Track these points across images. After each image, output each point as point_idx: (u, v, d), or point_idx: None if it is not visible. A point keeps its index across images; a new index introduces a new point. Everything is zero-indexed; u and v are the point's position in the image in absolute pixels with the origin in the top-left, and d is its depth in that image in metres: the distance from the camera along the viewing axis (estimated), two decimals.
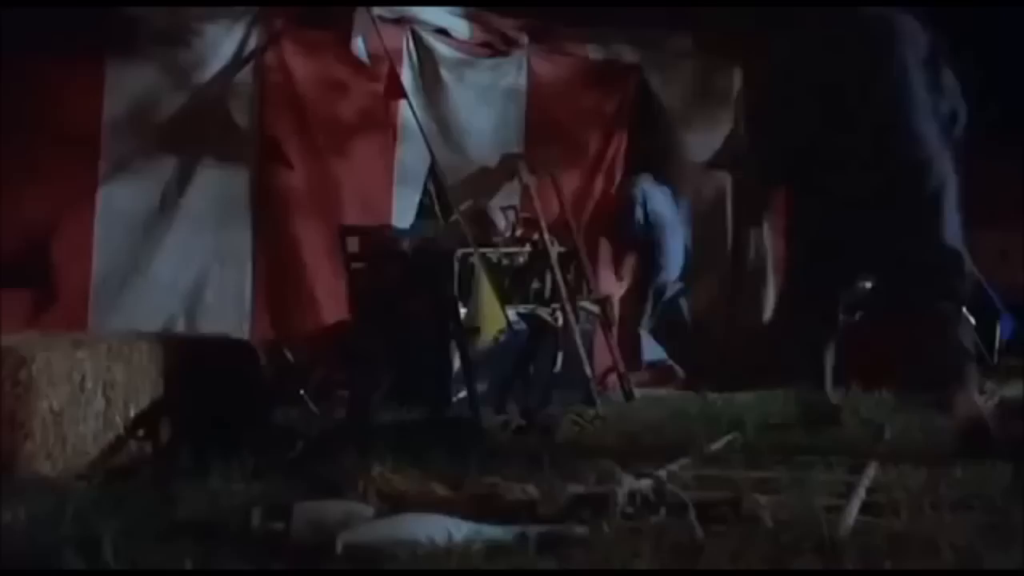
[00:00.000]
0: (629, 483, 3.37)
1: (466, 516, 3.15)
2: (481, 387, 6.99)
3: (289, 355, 5.61)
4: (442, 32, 8.54)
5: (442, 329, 5.98)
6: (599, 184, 9.32)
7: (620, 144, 9.41)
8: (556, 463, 4.55)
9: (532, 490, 3.36)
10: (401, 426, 5.51)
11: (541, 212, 8.25)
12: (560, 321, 7.95)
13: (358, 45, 7.90)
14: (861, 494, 3.87)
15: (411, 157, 8.30)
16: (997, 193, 10.00)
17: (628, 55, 9.45)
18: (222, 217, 7.64)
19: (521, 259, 8.17)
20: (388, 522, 3.09)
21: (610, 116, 9.39)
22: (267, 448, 4.96)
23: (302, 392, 5.32)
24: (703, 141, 9.81)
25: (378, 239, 6.50)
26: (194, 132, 7.61)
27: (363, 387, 5.42)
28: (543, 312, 8.01)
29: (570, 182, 9.10)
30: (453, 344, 6.18)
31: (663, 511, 3.40)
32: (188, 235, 7.50)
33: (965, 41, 10.62)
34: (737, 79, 9.83)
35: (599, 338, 8.58)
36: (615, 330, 8.68)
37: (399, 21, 8.29)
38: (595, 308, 8.46)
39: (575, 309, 8.12)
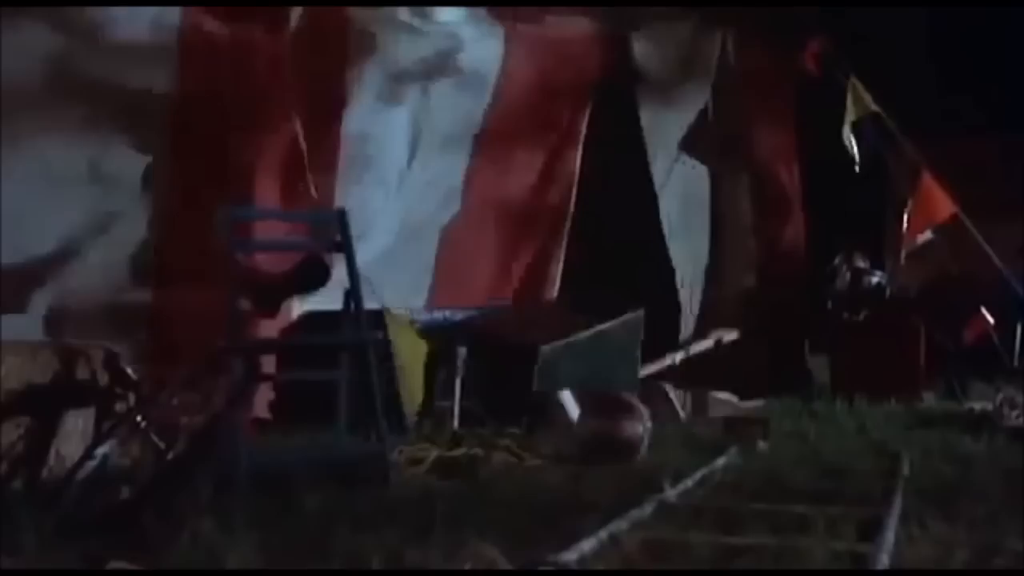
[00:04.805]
0: None
1: None
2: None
3: (131, 371, 4.38)
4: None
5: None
6: (560, 160, 8.09)
7: (582, 117, 8.18)
8: (461, 521, 3.33)
9: None
10: (284, 463, 4.28)
11: None
12: None
13: None
14: None
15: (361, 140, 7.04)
16: (1013, 186, 8.95)
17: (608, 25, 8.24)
18: (123, 195, 6.34)
19: None
20: None
21: (578, 89, 8.17)
22: (89, 495, 3.76)
23: (141, 420, 4.08)
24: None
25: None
26: (97, 99, 6.31)
27: (230, 412, 4.19)
28: None
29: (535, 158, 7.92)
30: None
31: None
32: (83, 214, 6.20)
33: (981, 36, 9.72)
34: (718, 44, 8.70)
35: None
36: None
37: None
38: None
39: None
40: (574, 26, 8.02)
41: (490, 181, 7.67)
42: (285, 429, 5.39)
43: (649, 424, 5.11)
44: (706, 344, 7.50)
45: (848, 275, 8.34)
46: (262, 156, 6.63)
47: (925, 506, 3.63)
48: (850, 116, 8.11)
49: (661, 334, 8.38)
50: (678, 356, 7.11)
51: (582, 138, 8.10)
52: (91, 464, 4.17)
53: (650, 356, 8.11)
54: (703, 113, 8.73)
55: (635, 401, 5.37)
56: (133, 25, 6.31)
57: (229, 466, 4.00)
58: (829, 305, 8.34)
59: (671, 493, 3.89)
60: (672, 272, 8.63)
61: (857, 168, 8.28)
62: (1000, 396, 6.75)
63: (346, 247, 4.73)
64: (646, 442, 5.04)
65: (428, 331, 6.21)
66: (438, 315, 6.66)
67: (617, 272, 8.23)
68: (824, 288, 8.38)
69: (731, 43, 8.78)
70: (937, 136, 8.48)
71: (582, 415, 5.29)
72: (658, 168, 8.55)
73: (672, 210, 8.61)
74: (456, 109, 7.54)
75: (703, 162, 8.87)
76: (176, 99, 6.30)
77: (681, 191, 8.74)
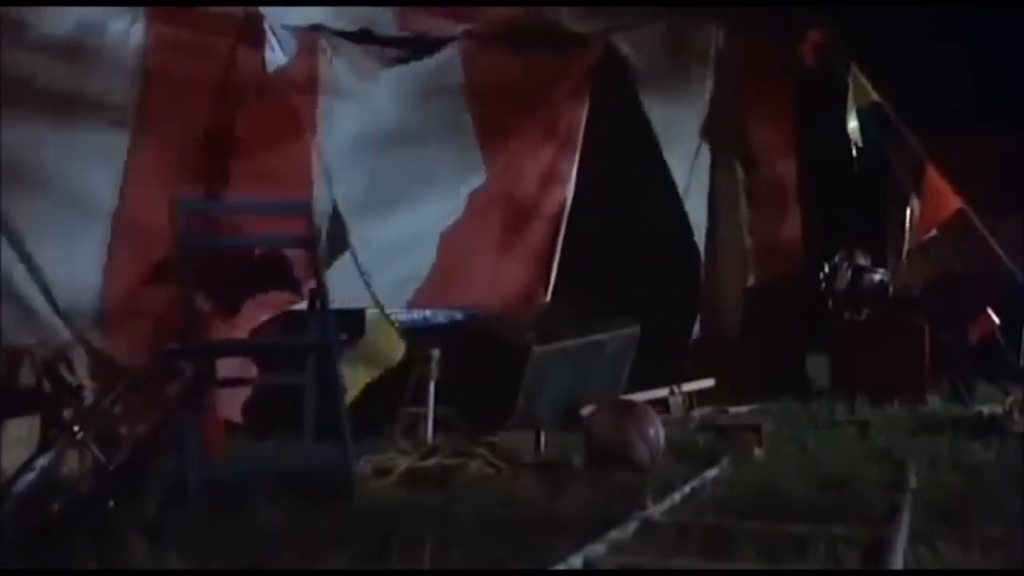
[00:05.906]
0: None
1: None
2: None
3: (69, 375, 4.04)
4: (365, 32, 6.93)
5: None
6: (557, 163, 7.76)
7: (579, 117, 7.85)
8: (423, 542, 3.00)
9: None
10: (239, 475, 3.95)
11: None
12: None
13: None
14: None
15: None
16: (1017, 181, 8.67)
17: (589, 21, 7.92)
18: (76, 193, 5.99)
19: None
20: None
21: (568, 88, 7.85)
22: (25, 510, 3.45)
23: (78, 431, 3.74)
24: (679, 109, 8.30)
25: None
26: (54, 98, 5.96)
27: (181, 419, 3.85)
28: None
29: (529, 163, 7.58)
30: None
31: None
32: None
33: (983, 29, 9.47)
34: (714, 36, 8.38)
35: None
36: None
37: (314, 28, 6.71)
38: None
39: None
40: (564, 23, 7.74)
41: (490, 184, 7.37)
42: (257, 435, 5.08)
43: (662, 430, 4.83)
44: (706, 383, 7.21)
45: (849, 273, 8.02)
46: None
47: (935, 525, 3.31)
48: (852, 106, 7.83)
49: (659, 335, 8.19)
50: (675, 389, 6.81)
51: (580, 139, 7.80)
52: (29, 476, 3.86)
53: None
54: (701, 108, 8.44)
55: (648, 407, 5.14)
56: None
57: (179, 478, 3.70)
58: (829, 304, 8.01)
59: (655, 510, 3.56)
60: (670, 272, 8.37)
61: (858, 163, 8.01)
62: (1010, 400, 6.45)
63: (312, 242, 4.43)
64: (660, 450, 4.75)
65: (407, 332, 5.91)
66: (417, 315, 6.34)
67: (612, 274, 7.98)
68: (824, 286, 8.09)
69: (729, 36, 8.49)
70: (940, 130, 8.19)
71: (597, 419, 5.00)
72: (653, 166, 8.27)
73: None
74: (446, 109, 7.25)
75: (700, 157, 8.59)
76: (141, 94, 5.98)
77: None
